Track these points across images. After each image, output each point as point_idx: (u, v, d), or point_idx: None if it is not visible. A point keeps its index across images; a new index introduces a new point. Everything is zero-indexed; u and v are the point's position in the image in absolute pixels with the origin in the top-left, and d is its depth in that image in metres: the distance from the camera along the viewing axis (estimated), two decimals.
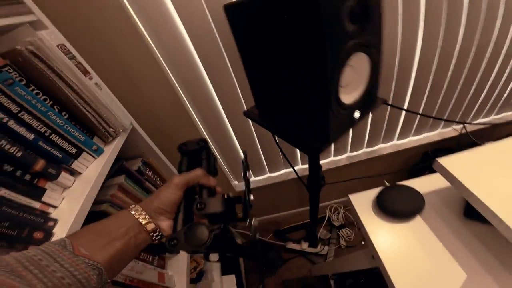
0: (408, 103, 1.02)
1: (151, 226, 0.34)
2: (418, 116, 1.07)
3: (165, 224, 0.35)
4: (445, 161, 0.51)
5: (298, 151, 1.12)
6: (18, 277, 0.22)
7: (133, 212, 0.34)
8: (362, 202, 0.64)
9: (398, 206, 0.58)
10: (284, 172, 1.23)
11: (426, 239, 0.52)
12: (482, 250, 0.48)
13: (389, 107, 0.99)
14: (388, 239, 0.54)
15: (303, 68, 0.41)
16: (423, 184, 0.62)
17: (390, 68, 0.88)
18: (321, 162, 1.22)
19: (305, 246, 1.41)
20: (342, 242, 1.40)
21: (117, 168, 0.67)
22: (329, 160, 1.22)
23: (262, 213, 1.56)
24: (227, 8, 0.46)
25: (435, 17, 0.79)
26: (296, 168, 1.16)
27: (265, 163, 1.15)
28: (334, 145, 1.15)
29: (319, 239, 1.45)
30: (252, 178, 1.24)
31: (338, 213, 1.51)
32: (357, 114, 0.48)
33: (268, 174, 1.23)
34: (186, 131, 0.95)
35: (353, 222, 1.47)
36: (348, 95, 0.46)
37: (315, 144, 0.47)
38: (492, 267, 0.45)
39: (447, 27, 0.81)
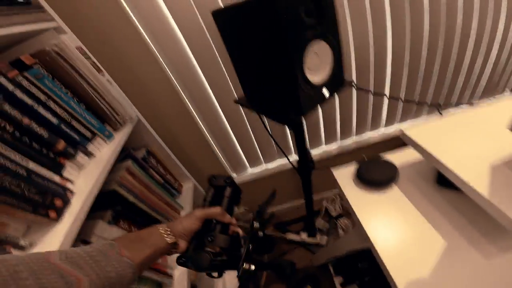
0: (390, 90, 1.11)
1: (172, 242, 0.43)
2: (401, 102, 1.15)
3: (182, 244, 0.44)
4: (413, 132, 0.59)
5: (290, 140, 1.21)
6: (79, 267, 0.29)
7: (161, 230, 0.43)
8: (344, 175, 0.72)
9: (375, 177, 0.65)
10: (280, 164, 1.31)
11: (402, 206, 0.59)
12: (454, 214, 0.54)
13: (371, 94, 1.08)
14: (368, 207, 0.62)
15: (275, 56, 0.50)
16: (398, 156, 0.70)
17: (366, 59, 0.98)
18: (313, 152, 1.31)
19: (304, 236, 1.48)
20: (340, 232, 1.46)
21: (125, 155, 0.77)
22: (321, 152, 1.30)
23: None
24: (215, 14, 0.57)
25: (400, 8, 0.90)
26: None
27: (260, 154, 1.24)
28: (324, 132, 1.23)
29: (317, 229, 1.51)
30: (249, 171, 1.33)
31: (335, 204, 1.57)
32: (325, 91, 0.57)
33: (265, 166, 1.32)
34: (187, 126, 1.05)
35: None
36: (316, 76, 0.55)
37: (291, 116, 0.56)
38: (464, 229, 0.51)
39: (412, 15, 0.92)
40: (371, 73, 1.01)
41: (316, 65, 0.55)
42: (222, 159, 1.23)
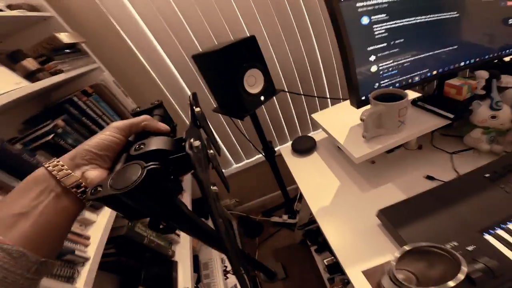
0: (329, 94, 1.53)
1: (71, 180, 0.26)
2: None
3: (94, 174, 0.27)
4: (317, 115, 0.99)
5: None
6: None
7: (48, 167, 0.26)
8: (286, 150, 1.10)
9: (302, 147, 1.05)
10: (259, 157, 1.71)
11: (318, 164, 0.96)
12: (346, 165, 0.90)
13: (302, 95, 1.50)
14: (299, 166, 1.00)
15: (228, 81, 0.92)
16: (317, 135, 1.10)
17: (304, 69, 1.42)
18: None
19: (285, 217, 1.84)
20: None
21: None
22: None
23: (251, 197, 2.01)
24: (194, 57, 0.99)
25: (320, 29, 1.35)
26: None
27: (240, 151, 1.64)
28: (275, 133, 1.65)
29: (296, 211, 1.87)
30: (233, 165, 1.72)
31: None
32: (262, 98, 0.99)
33: (245, 161, 1.72)
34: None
35: None
36: (255, 89, 0.97)
37: (242, 114, 0.97)
38: (351, 173, 0.86)
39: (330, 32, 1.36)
40: (311, 80, 1.45)
41: (253, 82, 0.97)
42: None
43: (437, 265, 0.44)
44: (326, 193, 0.82)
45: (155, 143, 0.28)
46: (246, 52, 0.91)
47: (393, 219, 0.61)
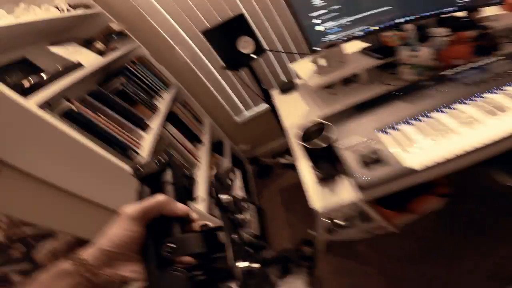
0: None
1: (101, 278, 0.27)
2: None
3: (129, 270, 0.28)
4: (293, 65, 1.37)
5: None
6: None
7: (76, 264, 0.27)
8: (275, 93, 1.51)
9: (286, 88, 1.45)
10: (266, 106, 2.12)
11: (296, 98, 1.37)
12: (316, 97, 1.31)
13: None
14: (283, 101, 1.40)
15: (229, 45, 1.31)
16: (298, 80, 1.48)
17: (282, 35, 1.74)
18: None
19: (290, 158, 2.29)
20: None
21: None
22: None
23: (263, 142, 2.45)
24: (203, 32, 1.38)
25: None
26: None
27: (249, 100, 2.07)
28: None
29: None
30: (245, 113, 2.16)
31: None
32: (253, 56, 1.37)
33: (254, 109, 2.14)
34: (202, 87, 1.92)
35: None
36: (247, 49, 1.36)
37: (238, 67, 1.38)
38: (319, 103, 1.28)
39: None
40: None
41: (246, 45, 1.35)
42: (226, 106, 2.08)
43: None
44: (299, 117, 1.22)
45: (192, 245, 0.28)
46: (237, 24, 1.29)
47: (330, 121, 1.00)
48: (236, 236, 0.31)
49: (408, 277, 1.30)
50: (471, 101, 0.82)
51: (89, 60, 1.18)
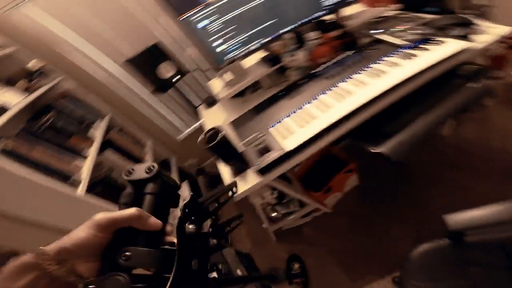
0: None
1: (60, 272, 0.29)
2: None
3: (86, 268, 0.31)
4: (212, 81, 1.57)
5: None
6: None
7: (37, 256, 0.29)
8: (202, 106, 1.69)
9: (209, 101, 1.63)
10: None
11: (219, 109, 1.56)
12: (233, 104, 1.51)
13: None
14: (209, 114, 1.58)
15: (151, 72, 1.47)
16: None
17: None
18: None
19: None
20: None
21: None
22: None
23: (208, 156, 2.60)
24: (126, 61, 1.53)
25: None
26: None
27: (187, 117, 2.22)
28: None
29: None
30: (185, 130, 2.30)
31: None
32: (176, 78, 1.55)
33: (194, 125, 2.30)
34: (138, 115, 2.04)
35: None
36: (170, 73, 1.53)
37: (164, 91, 1.54)
38: (235, 109, 1.49)
39: None
40: None
41: (168, 69, 1.52)
42: (165, 126, 2.21)
43: None
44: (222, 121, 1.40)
45: (142, 260, 0.31)
46: (156, 52, 1.47)
47: (236, 124, 1.21)
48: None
49: (351, 249, 1.52)
50: (329, 91, 1.07)
51: (14, 100, 1.26)
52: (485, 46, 1.22)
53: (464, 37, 1.19)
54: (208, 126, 1.49)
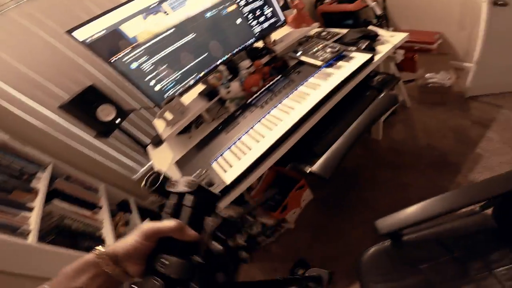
0: None
1: (115, 272, 0.35)
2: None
3: (132, 268, 0.37)
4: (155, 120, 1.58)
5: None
6: None
7: (96, 257, 0.35)
8: (150, 147, 1.68)
9: (155, 141, 1.64)
10: None
11: (166, 148, 1.56)
12: (178, 142, 1.53)
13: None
14: (156, 153, 1.58)
15: (90, 118, 1.44)
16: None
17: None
18: None
19: None
20: None
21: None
22: None
23: None
24: (60, 107, 1.49)
25: None
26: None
27: (139, 157, 2.19)
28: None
29: None
30: (140, 170, 2.26)
31: None
32: (118, 121, 1.53)
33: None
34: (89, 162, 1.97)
35: None
36: (110, 116, 1.51)
37: (107, 135, 1.52)
38: (183, 146, 1.51)
39: None
40: None
41: (107, 112, 1.51)
42: (117, 169, 2.15)
43: None
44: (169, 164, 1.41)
45: (173, 271, 0.35)
46: (92, 95, 1.45)
47: (181, 162, 1.22)
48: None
49: (319, 257, 1.58)
50: (261, 120, 1.15)
51: None
52: (388, 55, 1.41)
53: (370, 49, 1.36)
54: (157, 166, 1.49)
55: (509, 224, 0.86)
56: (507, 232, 0.86)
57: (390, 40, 1.48)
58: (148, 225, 0.38)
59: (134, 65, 1.22)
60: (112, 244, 0.38)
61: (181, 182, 0.44)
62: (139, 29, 1.19)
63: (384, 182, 1.64)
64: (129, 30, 1.17)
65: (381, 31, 1.56)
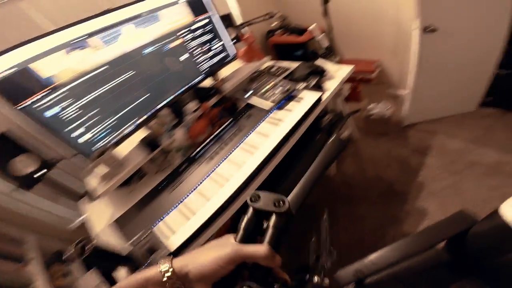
0: None
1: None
2: None
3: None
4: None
5: None
6: None
7: (161, 268, 0.33)
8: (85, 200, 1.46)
9: (92, 196, 1.42)
10: None
11: (104, 203, 1.36)
12: (120, 196, 1.34)
13: None
14: (93, 208, 1.36)
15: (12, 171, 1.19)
16: None
17: None
18: None
19: None
20: None
21: None
22: None
23: None
24: None
25: None
26: None
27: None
28: None
29: None
30: (78, 218, 1.97)
31: None
32: (39, 173, 1.30)
33: None
34: None
35: None
36: (30, 167, 1.27)
37: (31, 184, 1.27)
38: (124, 202, 1.32)
39: None
40: None
41: (27, 163, 1.26)
42: (49, 220, 1.84)
43: None
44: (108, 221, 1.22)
45: None
46: (5, 144, 1.20)
47: (121, 222, 1.05)
48: None
49: None
50: (209, 176, 1.05)
51: None
52: (336, 91, 1.44)
53: (319, 87, 1.37)
54: (93, 223, 1.28)
55: (462, 255, 0.88)
56: (462, 264, 0.89)
57: (336, 75, 1.52)
58: (237, 250, 0.34)
59: (50, 112, 0.99)
60: (181, 260, 0.34)
61: (265, 198, 0.38)
62: (59, 67, 0.98)
63: (341, 216, 1.64)
64: (45, 68, 0.95)
65: (328, 65, 1.60)
